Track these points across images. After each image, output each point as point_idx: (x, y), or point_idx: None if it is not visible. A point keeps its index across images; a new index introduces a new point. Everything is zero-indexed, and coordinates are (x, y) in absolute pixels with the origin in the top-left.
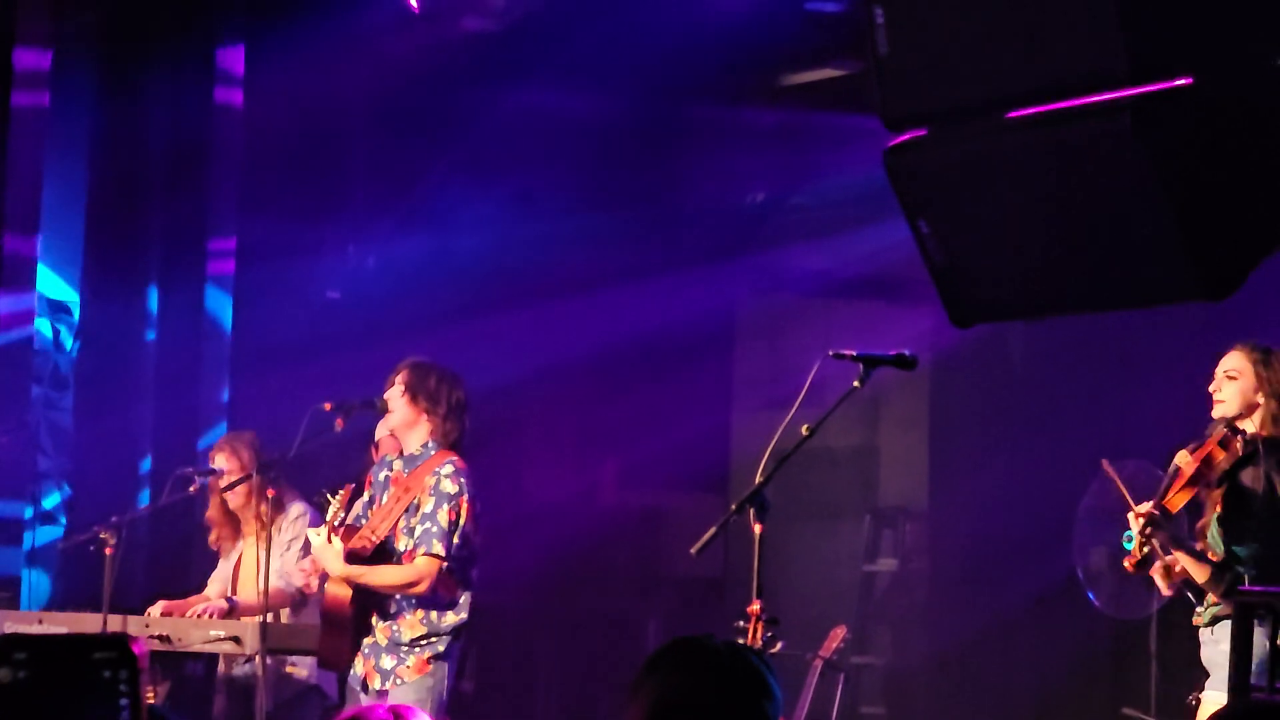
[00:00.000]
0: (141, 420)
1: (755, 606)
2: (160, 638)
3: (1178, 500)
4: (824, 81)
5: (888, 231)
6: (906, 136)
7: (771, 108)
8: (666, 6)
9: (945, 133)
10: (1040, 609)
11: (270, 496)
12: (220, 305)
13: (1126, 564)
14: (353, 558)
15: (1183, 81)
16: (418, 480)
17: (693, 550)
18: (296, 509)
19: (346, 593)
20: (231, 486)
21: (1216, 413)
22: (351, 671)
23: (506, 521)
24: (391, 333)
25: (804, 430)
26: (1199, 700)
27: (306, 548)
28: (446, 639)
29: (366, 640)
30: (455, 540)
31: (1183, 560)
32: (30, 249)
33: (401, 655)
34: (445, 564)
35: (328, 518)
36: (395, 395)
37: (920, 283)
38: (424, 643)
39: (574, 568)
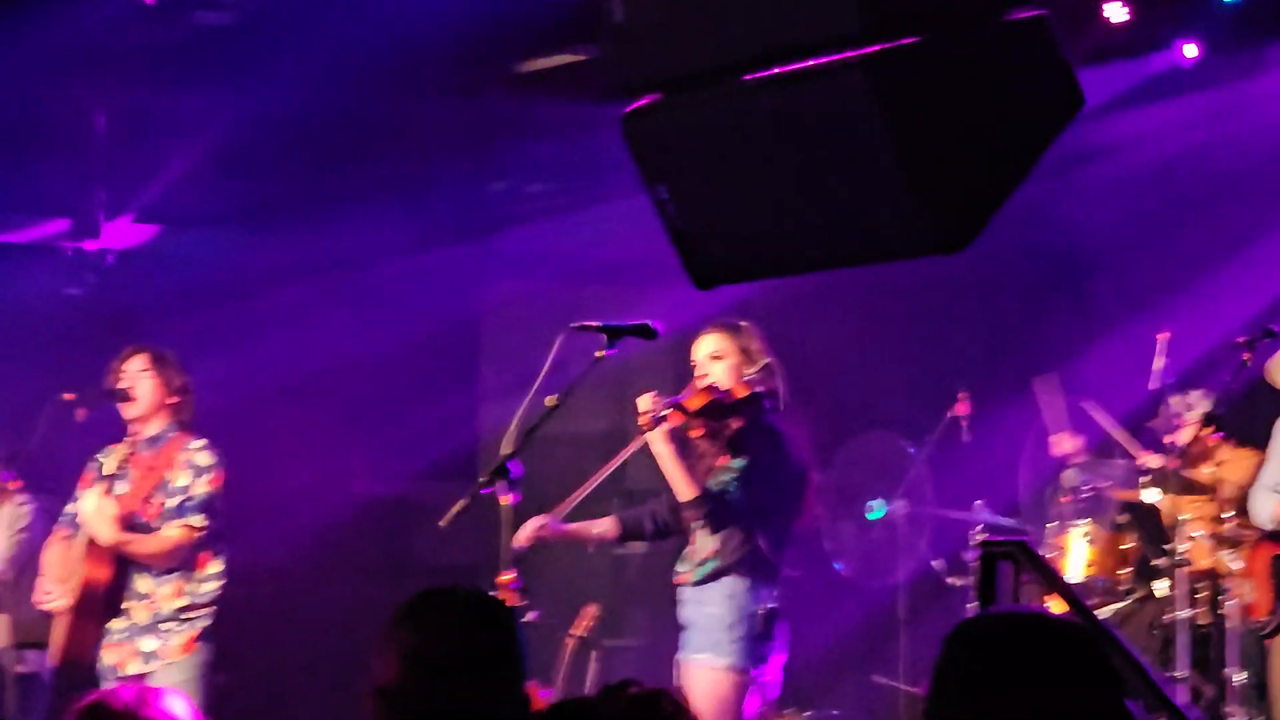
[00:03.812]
0: None
1: (505, 577)
2: None
3: None
4: (561, 68)
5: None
6: (643, 102)
7: (508, 95)
8: None
9: (681, 97)
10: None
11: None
12: None
13: None
14: None
15: (912, 40)
16: (165, 458)
17: (441, 522)
18: (16, 499)
19: (105, 573)
20: None
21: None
22: (100, 663)
23: (252, 512)
24: (129, 327)
25: (548, 402)
26: None
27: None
28: (207, 612)
29: (118, 625)
30: (211, 511)
31: None
32: None
33: (164, 633)
34: (202, 533)
35: (96, 482)
36: (140, 380)
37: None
38: (187, 616)
39: (322, 558)
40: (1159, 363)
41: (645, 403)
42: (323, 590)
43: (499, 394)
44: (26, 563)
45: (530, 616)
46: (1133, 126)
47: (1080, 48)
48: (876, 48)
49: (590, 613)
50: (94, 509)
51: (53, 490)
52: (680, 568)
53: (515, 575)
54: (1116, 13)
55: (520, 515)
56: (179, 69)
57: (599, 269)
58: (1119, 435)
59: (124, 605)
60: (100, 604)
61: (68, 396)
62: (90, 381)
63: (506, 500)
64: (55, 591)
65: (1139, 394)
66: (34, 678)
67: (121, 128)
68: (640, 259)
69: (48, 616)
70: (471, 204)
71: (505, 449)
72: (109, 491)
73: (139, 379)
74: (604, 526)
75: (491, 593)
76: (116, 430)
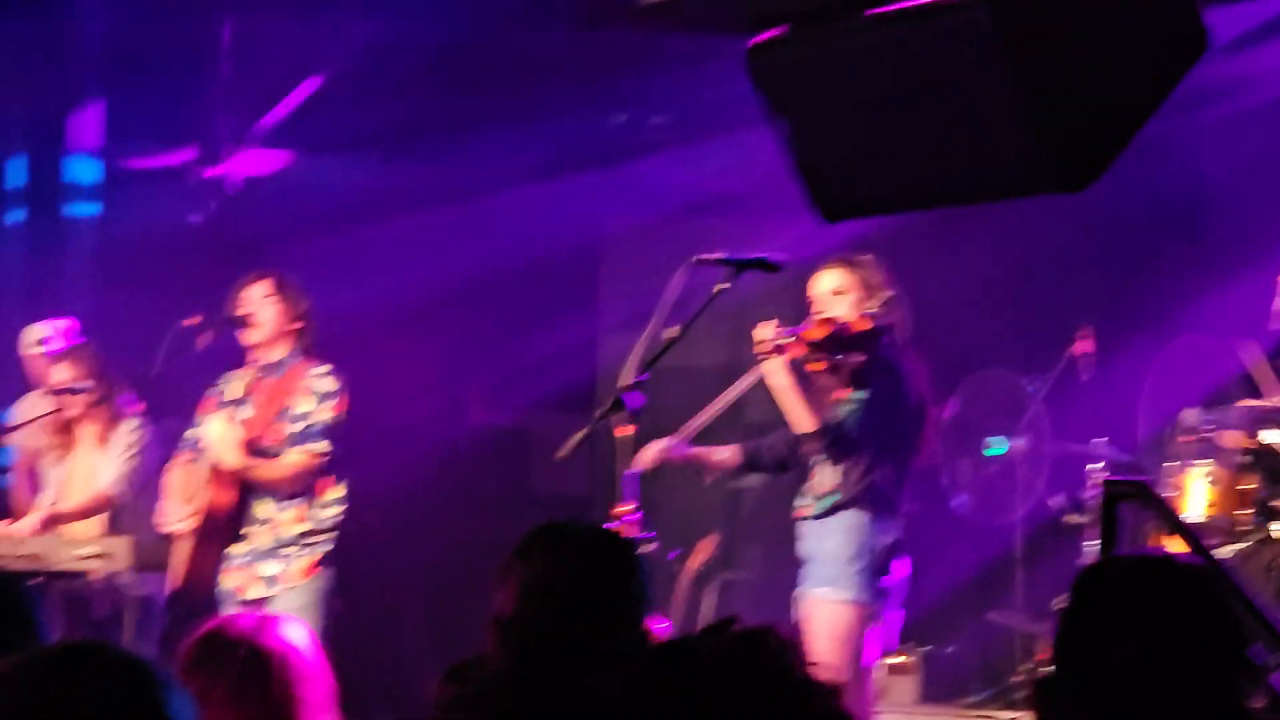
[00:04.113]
0: (6, 339)
1: (623, 508)
2: (29, 556)
3: None
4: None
5: (752, 144)
6: (768, 35)
7: (632, 27)
8: None
9: (806, 30)
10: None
11: (110, 407)
12: (84, 223)
13: None
14: None
15: None
16: (289, 384)
17: (559, 454)
18: (132, 422)
19: (227, 498)
20: (74, 394)
21: None
22: (219, 587)
23: (371, 439)
24: (251, 254)
25: (667, 334)
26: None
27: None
28: (328, 538)
29: (239, 550)
30: (333, 438)
31: None
32: None
33: (286, 558)
34: (324, 459)
35: (218, 407)
36: (263, 306)
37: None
38: (308, 541)
39: (439, 487)
40: (1279, 303)
41: (764, 332)
42: (439, 519)
43: (619, 326)
44: (143, 486)
45: (649, 546)
46: (1256, 65)
47: None
48: None
49: (707, 546)
50: (218, 434)
51: (172, 414)
52: (799, 501)
53: (634, 507)
54: None
55: (637, 447)
56: None
57: (719, 202)
58: (1259, 373)
59: (245, 530)
60: (221, 529)
61: (189, 322)
62: (211, 307)
63: (624, 432)
64: (175, 515)
65: (1258, 334)
66: (151, 600)
67: (247, 55)
68: (760, 192)
69: (166, 540)
70: (594, 135)
71: (623, 381)
72: (233, 417)
73: (262, 305)
74: (727, 453)
75: (609, 524)
76: (236, 356)
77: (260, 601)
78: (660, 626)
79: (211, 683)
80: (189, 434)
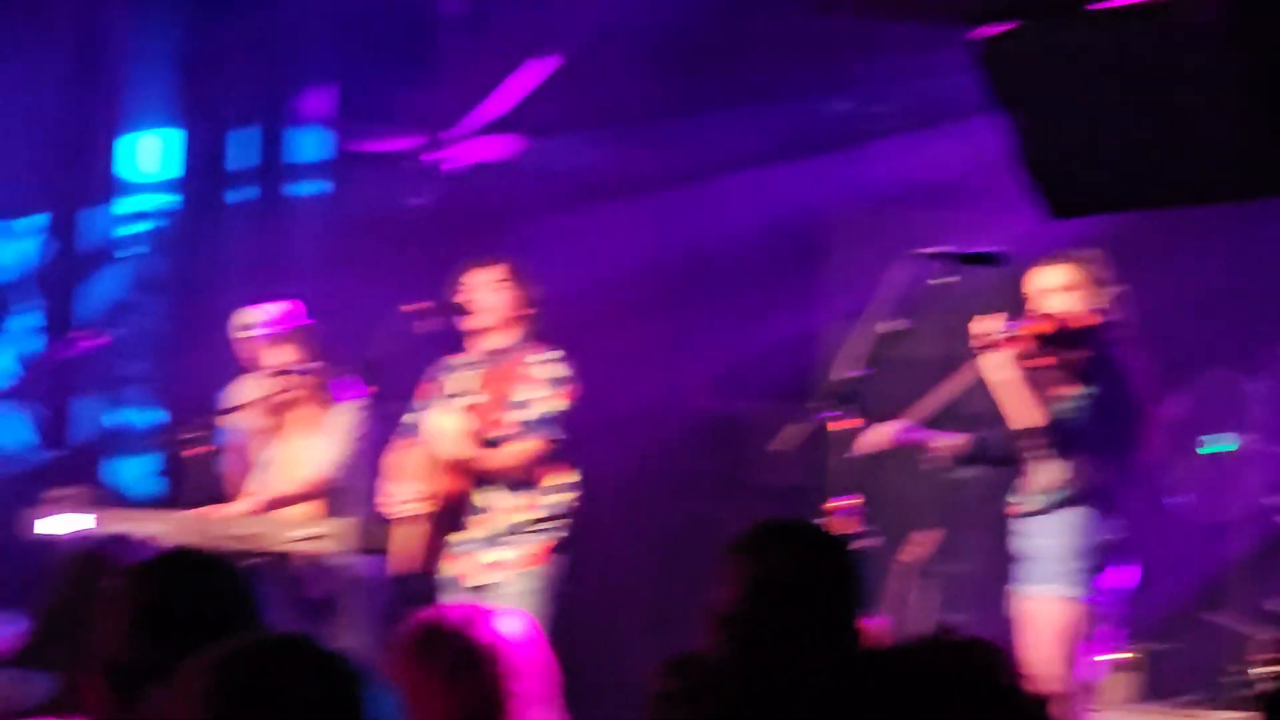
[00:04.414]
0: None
1: (838, 502)
2: (250, 537)
3: None
4: None
5: (976, 135)
6: (999, 29)
7: (860, 13)
8: None
9: (1037, 25)
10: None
11: (327, 390)
12: (310, 206)
13: None
14: None
15: None
16: (516, 372)
17: (774, 446)
18: (349, 405)
19: (453, 485)
20: (295, 376)
21: None
22: (441, 573)
23: (589, 425)
24: (470, 236)
25: (886, 328)
26: None
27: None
28: (559, 525)
29: (463, 537)
30: (562, 426)
31: None
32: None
33: (513, 545)
34: (554, 446)
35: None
36: (494, 291)
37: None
38: (537, 528)
39: (658, 473)
40: None
41: (984, 326)
42: (656, 506)
43: (838, 315)
44: (361, 469)
45: (865, 542)
46: None
47: None
48: None
49: (923, 539)
50: (446, 423)
51: (391, 398)
52: (1015, 498)
53: (851, 501)
54: None
55: (853, 440)
56: None
57: (942, 192)
58: None
59: (471, 517)
60: (445, 515)
61: (412, 307)
62: (434, 291)
63: (839, 426)
64: (397, 498)
65: None
66: (367, 583)
67: (476, 36)
68: (983, 184)
69: (383, 523)
70: (819, 121)
71: (840, 374)
72: (460, 405)
73: (492, 291)
74: (954, 441)
75: (823, 518)
76: (456, 342)
77: (485, 589)
78: (875, 623)
79: (424, 673)
80: (408, 418)
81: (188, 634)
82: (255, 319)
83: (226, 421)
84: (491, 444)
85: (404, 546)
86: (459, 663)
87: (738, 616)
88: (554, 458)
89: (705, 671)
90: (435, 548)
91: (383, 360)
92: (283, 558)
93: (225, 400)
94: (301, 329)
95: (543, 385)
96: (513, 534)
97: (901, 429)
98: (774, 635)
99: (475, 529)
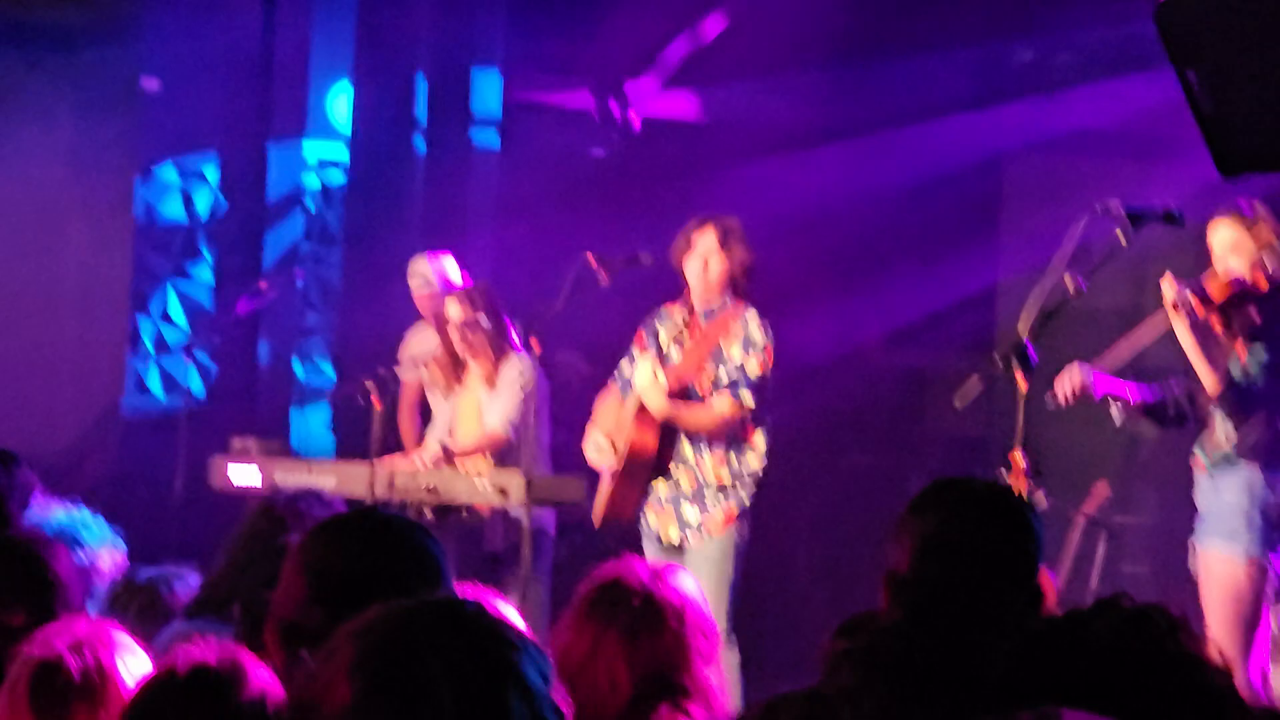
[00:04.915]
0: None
1: (1017, 454)
2: (429, 489)
3: None
4: None
5: (1159, 87)
6: None
7: None
8: None
9: None
10: None
11: (502, 344)
12: (486, 157)
13: None
14: None
15: None
16: (721, 330)
17: (957, 403)
18: (521, 359)
19: (652, 439)
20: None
21: None
22: (644, 522)
23: (774, 380)
24: (652, 191)
25: (1067, 284)
26: None
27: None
28: (750, 486)
29: (663, 489)
30: (762, 389)
31: None
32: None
33: (706, 504)
34: (751, 409)
35: (647, 356)
36: (712, 250)
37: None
38: (731, 489)
39: (838, 426)
40: None
41: (1168, 286)
42: (837, 458)
43: (1019, 267)
44: (538, 421)
45: (1041, 500)
46: None
47: None
48: None
49: (1100, 491)
50: (647, 379)
51: (568, 350)
52: (1198, 451)
53: (1028, 458)
54: None
55: (1031, 398)
56: None
57: (1125, 144)
58: None
59: (670, 470)
60: (644, 468)
61: (591, 261)
62: (612, 244)
63: (1021, 381)
64: (599, 448)
65: None
66: (544, 534)
67: None
68: (1165, 137)
69: (559, 475)
70: (999, 71)
71: (1022, 329)
72: (663, 361)
73: (711, 249)
74: (1143, 393)
75: (1003, 470)
76: (636, 296)
77: (677, 548)
78: (1049, 579)
79: (605, 628)
80: (622, 368)
81: (366, 598)
82: (434, 271)
83: (403, 373)
84: (691, 399)
85: (603, 497)
86: (642, 619)
87: (910, 579)
88: (751, 419)
89: (877, 633)
90: (635, 499)
91: (562, 314)
92: (462, 511)
93: (402, 352)
94: (476, 284)
95: (746, 345)
96: (706, 492)
97: (1095, 376)
98: (949, 598)
99: (676, 483)
